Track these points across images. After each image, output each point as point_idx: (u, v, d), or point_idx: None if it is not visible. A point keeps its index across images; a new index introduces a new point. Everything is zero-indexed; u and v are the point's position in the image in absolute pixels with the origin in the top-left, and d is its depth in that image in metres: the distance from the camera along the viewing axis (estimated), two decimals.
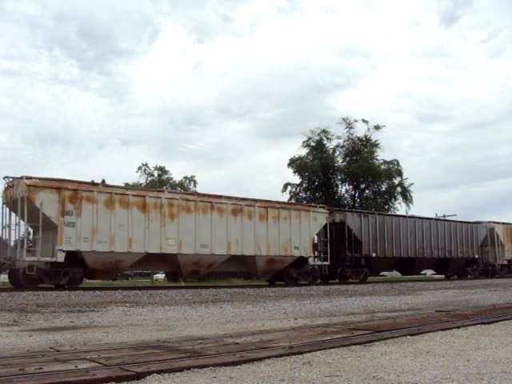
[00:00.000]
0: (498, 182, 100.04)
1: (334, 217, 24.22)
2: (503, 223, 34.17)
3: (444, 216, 33.96)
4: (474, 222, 32.32)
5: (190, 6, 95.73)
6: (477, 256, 30.90)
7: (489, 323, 7.17)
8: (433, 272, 33.14)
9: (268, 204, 21.31)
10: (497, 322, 7.38)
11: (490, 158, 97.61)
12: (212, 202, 19.41)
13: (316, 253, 22.96)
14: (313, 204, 23.29)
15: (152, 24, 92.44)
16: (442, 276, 31.97)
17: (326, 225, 22.96)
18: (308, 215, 22.23)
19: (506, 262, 33.32)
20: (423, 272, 32.80)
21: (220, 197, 20.01)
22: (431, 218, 29.72)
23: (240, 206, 20.12)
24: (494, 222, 33.60)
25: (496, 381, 3.63)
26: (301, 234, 21.77)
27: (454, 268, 30.30)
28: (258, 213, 20.61)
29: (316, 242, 23.10)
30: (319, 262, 22.67)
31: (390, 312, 9.74)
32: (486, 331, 6.41)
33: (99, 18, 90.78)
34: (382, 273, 32.52)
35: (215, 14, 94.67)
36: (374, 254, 24.71)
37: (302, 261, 21.96)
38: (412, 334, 5.96)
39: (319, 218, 22.73)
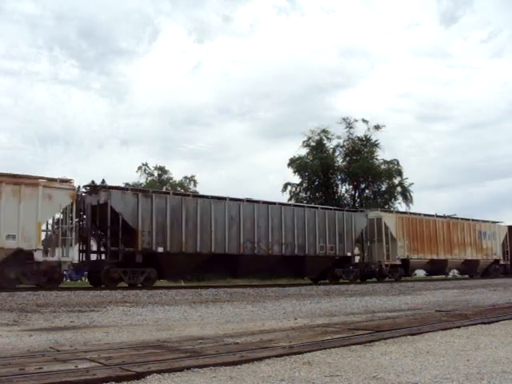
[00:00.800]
0: (497, 181, 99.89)
1: (98, 196, 17.93)
2: (397, 212, 27.79)
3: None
4: (349, 210, 26.22)
5: (189, 6, 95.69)
6: (349, 254, 24.14)
7: (489, 323, 7.17)
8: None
9: None
10: (497, 321, 7.37)
11: (490, 157, 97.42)
12: None
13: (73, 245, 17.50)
14: (47, 176, 16.85)
15: (152, 24, 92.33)
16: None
17: (71, 206, 17.04)
18: (36, 192, 16.14)
19: (398, 262, 25.93)
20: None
21: None
22: (272, 203, 22.21)
23: None
24: (382, 211, 27.54)
25: (496, 381, 3.63)
26: (20, 217, 15.84)
27: (313, 269, 23.30)
28: None
29: (56, 229, 17.28)
30: (56, 258, 16.81)
31: (390, 312, 9.74)
32: (486, 331, 6.40)
33: (99, 17, 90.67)
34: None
35: (215, 13, 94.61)
36: (161, 249, 18.12)
37: (28, 257, 16.32)
38: (412, 334, 5.96)
39: (58, 197, 16.60)
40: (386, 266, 25.51)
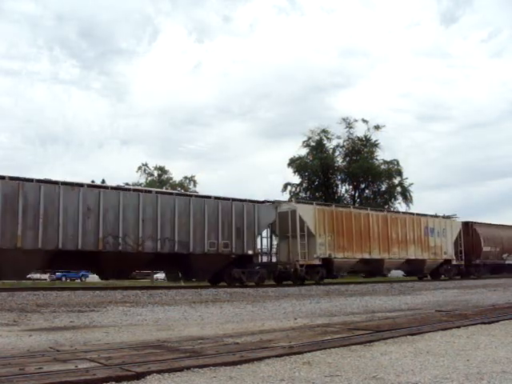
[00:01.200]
0: (497, 181, 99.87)
1: None
2: (317, 204, 23.80)
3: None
4: (251, 201, 21.32)
5: (189, 6, 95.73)
6: (251, 252, 20.43)
7: (489, 323, 7.17)
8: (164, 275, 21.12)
9: None
10: (497, 321, 7.38)
11: (489, 157, 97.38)
12: None
13: None
14: None
15: (152, 24, 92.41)
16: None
17: None
18: None
19: (318, 262, 21.94)
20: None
21: None
22: (148, 191, 19.35)
23: None
24: (298, 202, 23.97)
25: (496, 381, 3.63)
26: None
27: (202, 269, 19.56)
28: None
29: None
30: None
31: (390, 312, 9.74)
32: (486, 331, 6.41)
33: (99, 18, 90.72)
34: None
35: (215, 13, 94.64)
36: None
37: None
38: (412, 334, 5.96)
39: None
40: (302, 266, 21.48)
